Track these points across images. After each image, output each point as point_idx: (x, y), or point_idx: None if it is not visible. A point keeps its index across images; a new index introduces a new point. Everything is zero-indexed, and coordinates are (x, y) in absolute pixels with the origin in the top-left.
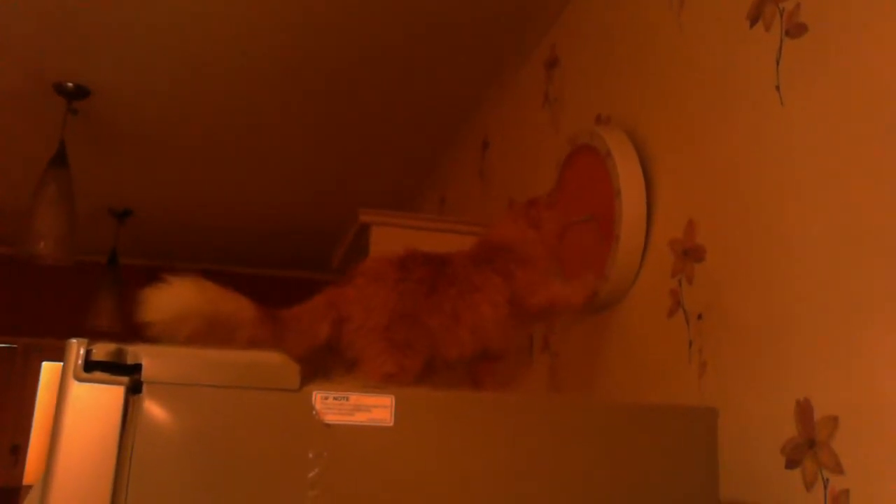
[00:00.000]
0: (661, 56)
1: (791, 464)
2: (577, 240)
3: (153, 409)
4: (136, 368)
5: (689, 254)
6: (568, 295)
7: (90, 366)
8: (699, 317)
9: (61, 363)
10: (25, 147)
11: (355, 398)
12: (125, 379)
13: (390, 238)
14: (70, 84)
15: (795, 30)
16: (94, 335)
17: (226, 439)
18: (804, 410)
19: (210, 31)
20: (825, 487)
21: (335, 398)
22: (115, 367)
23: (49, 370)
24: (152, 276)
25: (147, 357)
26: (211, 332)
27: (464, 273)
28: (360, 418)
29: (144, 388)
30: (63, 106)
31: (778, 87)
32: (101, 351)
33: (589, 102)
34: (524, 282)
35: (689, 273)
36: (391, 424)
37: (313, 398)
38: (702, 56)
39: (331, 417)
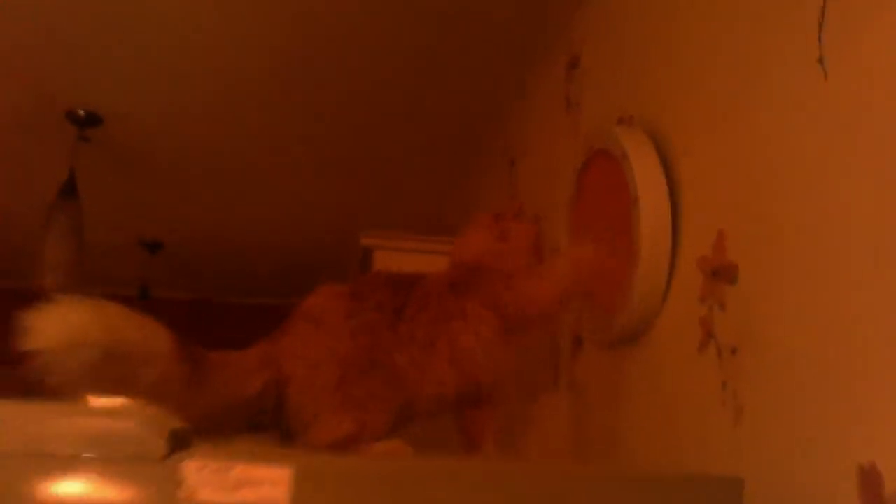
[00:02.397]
0: (687, 41)
1: None
2: (600, 261)
3: None
4: None
5: (720, 273)
6: (567, 276)
7: None
8: (733, 351)
9: None
10: (36, 177)
11: (242, 469)
12: None
13: (395, 263)
14: (81, 111)
15: None
16: None
17: None
18: (870, 479)
19: (222, 54)
20: None
21: (214, 470)
22: None
23: None
24: (185, 309)
25: None
26: (112, 367)
27: (438, 297)
28: (245, 496)
29: None
30: (74, 134)
31: (821, 60)
32: None
33: (610, 103)
34: (512, 297)
35: (721, 297)
36: None
37: (184, 469)
38: (731, 36)
39: (206, 494)
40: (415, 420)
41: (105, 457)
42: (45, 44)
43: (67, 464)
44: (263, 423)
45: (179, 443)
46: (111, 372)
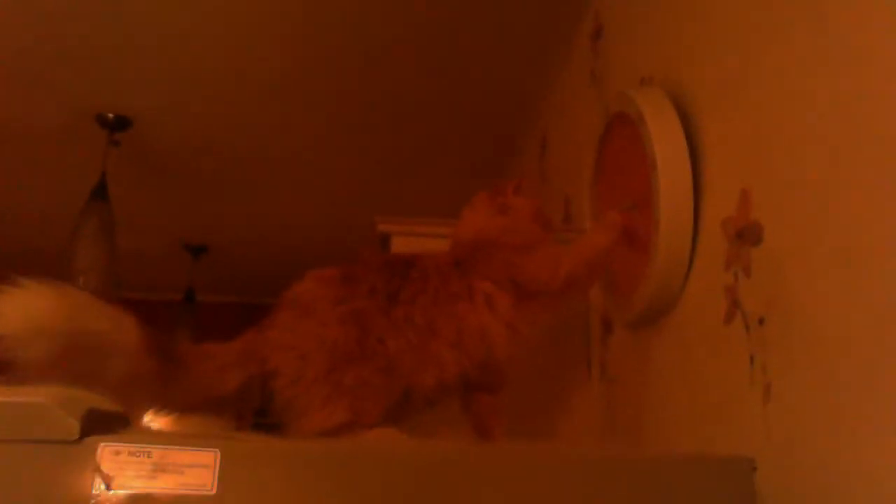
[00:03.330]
0: None
1: None
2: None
3: None
4: None
5: (745, 235)
6: (595, 244)
7: None
8: (761, 321)
9: None
10: (70, 182)
11: (161, 453)
12: None
13: (414, 248)
14: (110, 115)
15: None
16: None
17: None
18: None
19: (245, 51)
20: None
21: (132, 453)
22: None
23: None
24: (230, 312)
25: None
26: (73, 357)
27: (440, 278)
28: (165, 484)
29: None
30: (105, 138)
31: None
32: None
33: (633, 69)
34: (535, 266)
35: (746, 261)
36: (212, 493)
37: (99, 453)
38: None
39: (122, 482)
40: (417, 408)
41: (9, 438)
42: (71, 48)
43: None
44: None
45: (97, 424)
46: (76, 364)
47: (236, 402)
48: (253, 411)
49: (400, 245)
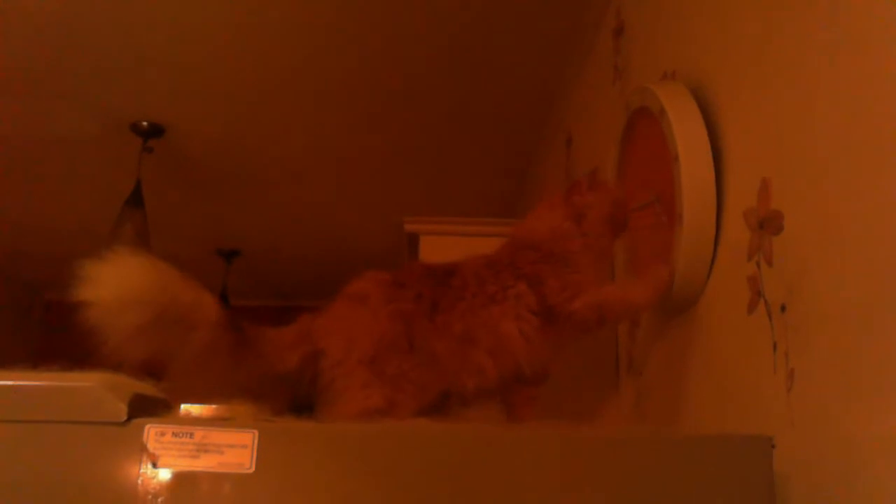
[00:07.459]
0: None
1: None
2: (644, 230)
3: None
4: None
5: (766, 225)
6: (626, 296)
7: None
8: (782, 308)
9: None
10: (104, 189)
11: (203, 434)
12: None
13: (442, 248)
14: (145, 123)
15: None
16: None
17: (29, 487)
18: None
19: (278, 61)
20: None
21: (175, 434)
22: None
23: None
24: (263, 316)
25: None
26: (161, 328)
27: (476, 283)
28: (207, 463)
29: None
30: (139, 145)
31: None
32: None
33: (655, 63)
34: (558, 285)
35: (768, 251)
36: (251, 471)
37: (145, 434)
38: None
39: (167, 461)
40: (453, 408)
41: (63, 419)
42: (106, 61)
43: (25, 426)
44: (303, 400)
45: (142, 408)
46: (161, 333)
47: (292, 383)
48: (296, 403)
49: (428, 244)
